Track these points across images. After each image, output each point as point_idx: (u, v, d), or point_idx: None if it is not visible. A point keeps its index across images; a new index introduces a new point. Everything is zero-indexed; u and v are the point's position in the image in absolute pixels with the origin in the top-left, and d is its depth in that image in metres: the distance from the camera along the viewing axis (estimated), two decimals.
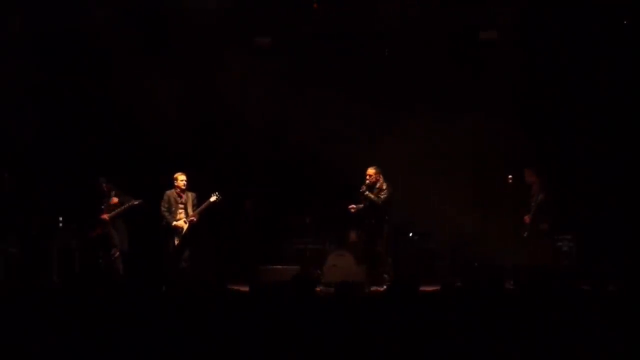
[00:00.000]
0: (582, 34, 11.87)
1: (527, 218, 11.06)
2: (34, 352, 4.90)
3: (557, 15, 11.93)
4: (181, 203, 10.69)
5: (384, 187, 10.68)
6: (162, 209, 10.68)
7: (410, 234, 12.06)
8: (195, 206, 10.71)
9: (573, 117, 12.11)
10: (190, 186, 10.78)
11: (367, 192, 10.67)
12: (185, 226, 10.65)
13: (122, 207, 11.15)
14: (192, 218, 10.64)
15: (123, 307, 5.52)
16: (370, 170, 10.75)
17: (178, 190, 10.68)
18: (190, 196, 10.73)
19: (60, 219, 11.74)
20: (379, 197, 10.65)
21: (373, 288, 10.16)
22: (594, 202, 11.72)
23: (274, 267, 11.33)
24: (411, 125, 12.24)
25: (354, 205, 10.87)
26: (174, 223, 10.63)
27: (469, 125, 12.12)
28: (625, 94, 11.92)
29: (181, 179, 10.66)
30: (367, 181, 10.71)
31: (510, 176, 11.26)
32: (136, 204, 11.16)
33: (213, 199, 10.70)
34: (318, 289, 10.52)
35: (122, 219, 11.31)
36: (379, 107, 12.13)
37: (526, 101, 12.25)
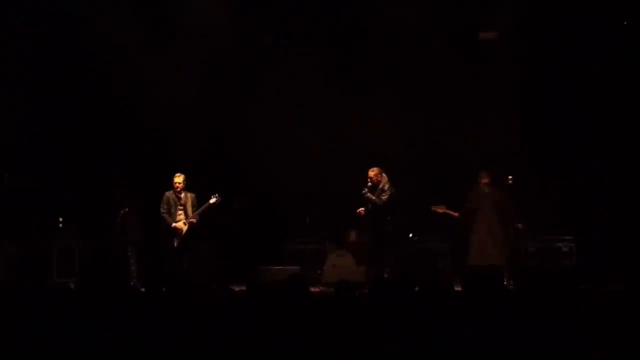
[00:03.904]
0: (582, 34, 11.88)
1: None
2: (35, 352, 4.90)
3: (557, 15, 11.94)
4: (180, 204, 10.67)
5: (386, 188, 10.66)
6: (162, 210, 10.67)
7: (410, 234, 12.06)
8: (195, 207, 10.69)
9: (573, 117, 12.11)
10: (190, 187, 10.78)
11: (368, 194, 10.65)
12: (185, 227, 10.64)
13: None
14: (192, 220, 10.63)
15: (123, 307, 5.52)
16: (372, 172, 10.72)
17: (176, 191, 10.67)
18: (189, 197, 10.71)
19: (60, 219, 11.74)
20: (380, 198, 10.63)
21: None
22: (593, 202, 11.73)
23: (274, 267, 11.32)
24: (411, 125, 12.27)
25: (362, 209, 10.84)
26: (174, 224, 10.62)
27: (469, 125, 12.14)
28: (625, 94, 11.92)
29: (176, 180, 10.63)
30: (369, 182, 10.69)
31: (510, 177, 11.26)
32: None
33: (213, 200, 10.69)
34: (317, 289, 10.55)
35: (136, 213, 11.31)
36: (378, 107, 12.13)
37: (526, 101, 12.25)
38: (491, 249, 10.89)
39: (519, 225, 11.11)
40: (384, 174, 10.72)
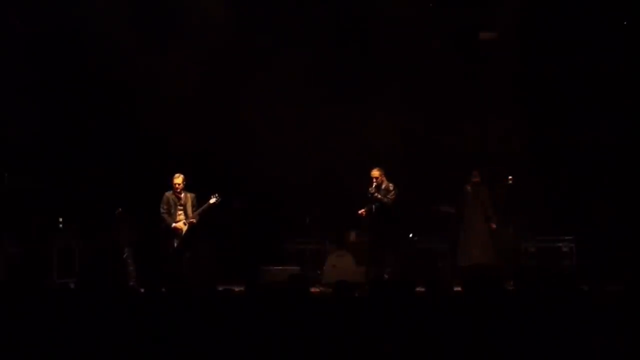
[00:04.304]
0: (582, 34, 11.88)
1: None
2: (35, 352, 4.90)
3: (556, 15, 11.94)
4: (180, 204, 10.67)
5: (391, 187, 10.71)
6: (162, 210, 10.67)
7: (411, 234, 12.06)
8: (194, 207, 10.69)
9: (573, 117, 12.11)
10: (190, 187, 10.78)
11: (376, 194, 10.67)
12: (185, 228, 10.64)
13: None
14: (192, 220, 10.63)
15: (123, 308, 5.52)
16: (375, 172, 10.76)
17: (176, 191, 10.66)
18: (189, 197, 10.70)
19: (60, 219, 11.73)
20: (388, 198, 10.67)
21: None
22: (593, 203, 11.72)
23: (274, 267, 11.31)
24: (411, 125, 12.27)
25: (363, 210, 10.85)
26: (174, 225, 10.62)
27: (469, 125, 12.14)
28: (625, 94, 11.92)
29: (175, 181, 10.63)
30: (374, 183, 10.72)
31: (510, 177, 11.28)
32: None
33: (213, 200, 10.69)
34: (317, 289, 10.55)
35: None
36: (378, 107, 12.13)
37: (526, 101, 12.24)
38: (473, 249, 11.04)
39: (492, 225, 11.27)
40: (384, 174, 10.78)
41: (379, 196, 10.66)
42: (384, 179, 10.76)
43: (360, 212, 10.85)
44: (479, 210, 11.31)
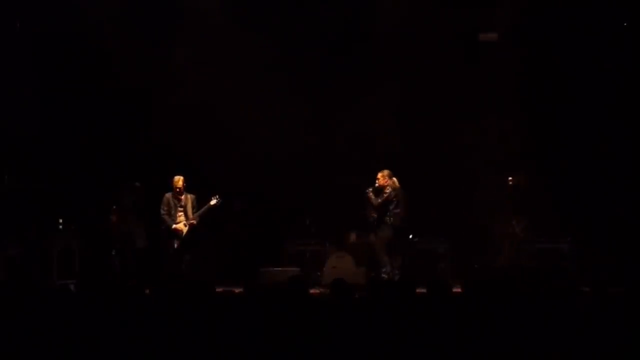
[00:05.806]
0: (582, 35, 11.88)
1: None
2: (35, 353, 4.90)
3: (556, 16, 11.94)
4: (180, 206, 10.69)
5: (387, 191, 10.74)
6: (162, 212, 10.69)
7: (411, 235, 12.05)
8: (195, 208, 10.71)
9: (573, 117, 12.11)
10: (190, 188, 10.78)
11: (369, 194, 10.72)
12: (185, 229, 10.65)
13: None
14: (192, 221, 10.65)
15: (122, 308, 5.52)
16: (379, 175, 10.81)
17: (176, 193, 10.66)
18: (190, 198, 10.72)
19: (60, 219, 11.74)
20: (377, 200, 10.72)
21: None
22: (594, 203, 11.72)
23: (274, 268, 11.31)
24: (411, 126, 12.27)
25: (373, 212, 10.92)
26: (174, 226, 10.63)
27: (469, 126, 12.14)
28: (625, 95, 11.92)
29: (176, 182, 10.65)
30: (376, 184, 10.76)
31: (510, 177, 11.28)
32: None
33: (213, 202, 10.71)
34: (317, 290, 10.55)
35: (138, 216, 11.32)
36: (379, 107, 12.13)
37: (526, 102, 12.24)
38: (505, 249, 11.19)
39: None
40: (393, 178, 10.80)
41: (371, 198, 10.72)
42: (386, 182, 10.78)
43: (370, 214, 10.92)
44: (511, 213, 11.43)
